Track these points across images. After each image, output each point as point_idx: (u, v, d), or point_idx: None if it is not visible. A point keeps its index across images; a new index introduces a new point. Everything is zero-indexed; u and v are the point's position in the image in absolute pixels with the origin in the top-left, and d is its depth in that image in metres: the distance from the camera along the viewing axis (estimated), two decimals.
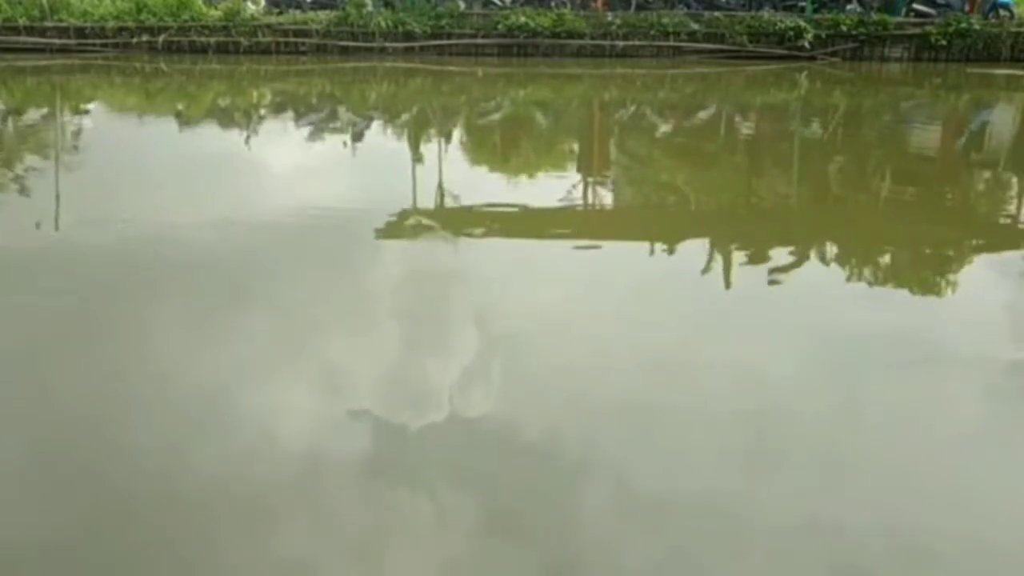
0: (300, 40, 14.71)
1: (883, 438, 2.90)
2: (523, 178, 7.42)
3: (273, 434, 2.86)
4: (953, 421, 3.08)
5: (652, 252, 5.00)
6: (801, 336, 3.74)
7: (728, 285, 4.41)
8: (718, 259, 4.80)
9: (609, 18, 15.19)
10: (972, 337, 3.80)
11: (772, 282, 4.50)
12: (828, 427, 2.98)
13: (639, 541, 2.36)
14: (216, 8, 14.87)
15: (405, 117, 10.38)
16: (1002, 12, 15.62)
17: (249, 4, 14.94)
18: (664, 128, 9.90)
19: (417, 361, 3.43)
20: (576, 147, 9.16)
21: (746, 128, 10.13)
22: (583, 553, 2.32)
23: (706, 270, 4.63)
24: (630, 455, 2.77)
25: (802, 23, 14.85)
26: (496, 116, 10.52)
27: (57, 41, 14.42)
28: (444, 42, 14.81)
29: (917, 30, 15.09)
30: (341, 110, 10.56)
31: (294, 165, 7.30)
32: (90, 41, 14.48)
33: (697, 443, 2.84)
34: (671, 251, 5.02)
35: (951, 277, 4.82)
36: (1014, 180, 7.66)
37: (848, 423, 3.00)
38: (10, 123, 9.39)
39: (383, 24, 14.77)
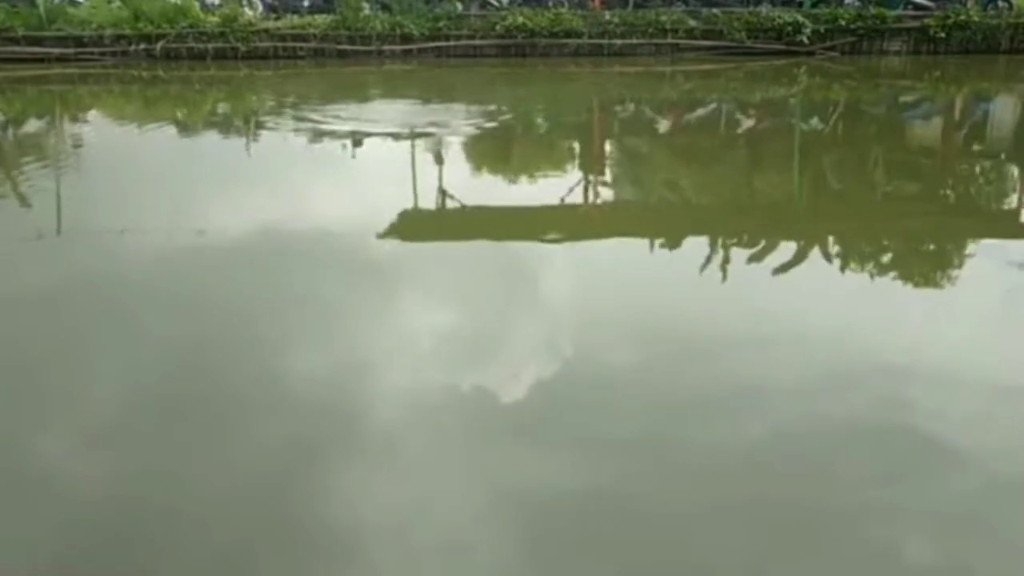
0: (298, 44, 14.73)
1: (885, 438, 2.89)
2: (523, 178, 7.41)
3: (274, 430, 2.86)
4: (953, 418, 3.06)
5: (653, 250, 4.99)
6: (801, 335, 3.73)
7: (724, 279, 4.41)
8: (719, 256, 4.78)
9: (607, 17, 15.19)
10: (972, 334, 3.79)
11: (774, 278, 4.49)
12: (830, 428, 2.96)
13: (637, 541, 2.35)
14: (213, 14, 14.90)
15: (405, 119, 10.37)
16: (1000, 4, 15.60)
17: (246, 10, 14.97)
18: (664, 125, 9.88)
19: (413, 360, 3.42)
20: (576, 147, 9.14)
21: (746, 124, 10.11)
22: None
23: (706, 267, 4.62)
24: (629, 454, 2.76)
25: (800, 18, 14.84)
26: (496, 117, 10.50)
27: (55, 50, 14.45)
28: (442, 44, 14.83)
29: (915, 23, 15.08)
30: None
31: (294, 169, 7.29)
32: (88, 50, 14.51)
33: (697, 443, 2.83)
34: (672, 249, 5.00)
35: (953, 269, 4.80)
36: (1015, 171, 7.65)
37: (852, 424, 2.98)
38: (10, 133, 9.40)
39: (380, 27, 14.78)
